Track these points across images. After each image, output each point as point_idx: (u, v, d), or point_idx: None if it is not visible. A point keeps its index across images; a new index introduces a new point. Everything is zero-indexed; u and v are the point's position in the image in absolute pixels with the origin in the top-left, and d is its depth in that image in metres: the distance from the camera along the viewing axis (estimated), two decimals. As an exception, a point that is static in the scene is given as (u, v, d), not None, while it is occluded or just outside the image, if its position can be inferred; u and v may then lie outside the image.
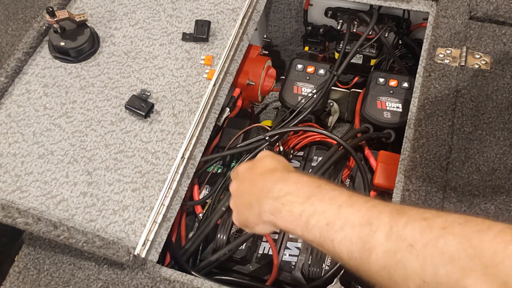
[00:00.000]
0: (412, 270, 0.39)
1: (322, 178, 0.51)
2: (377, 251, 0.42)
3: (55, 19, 0.83)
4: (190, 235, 0.83)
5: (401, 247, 0.40)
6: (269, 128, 0.88)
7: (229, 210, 0.67)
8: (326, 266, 0.77)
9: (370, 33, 0.97)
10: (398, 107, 0.90)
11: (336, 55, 1.09)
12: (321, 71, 0.99)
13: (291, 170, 0.55)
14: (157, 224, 0.70)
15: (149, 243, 0.68)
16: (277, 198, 0.50)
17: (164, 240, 0.71)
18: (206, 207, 0.84)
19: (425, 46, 0.84)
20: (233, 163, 0.90)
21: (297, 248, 0.81)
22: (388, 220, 0.42)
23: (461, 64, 0.79)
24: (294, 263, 0.80)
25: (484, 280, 0.36)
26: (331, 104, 1.08)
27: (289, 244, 0.82)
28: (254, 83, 0.99)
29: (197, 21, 0.89)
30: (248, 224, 0.56)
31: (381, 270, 0.42)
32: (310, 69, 0.99)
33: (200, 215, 0.83)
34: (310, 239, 0.47)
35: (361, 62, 1.08)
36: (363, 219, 0.44)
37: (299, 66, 1.00)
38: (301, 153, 0.93)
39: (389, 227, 0.42)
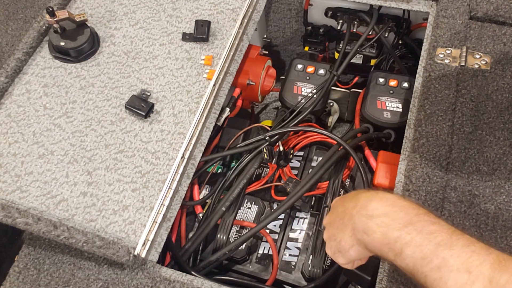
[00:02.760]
0: None
1: (419, 205, 0.49)
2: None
3: (55, 19, 0.83)
4: (190, 235, 0.83)
5: None
6: (269, 128, 0.88)
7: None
8: (326, 266, 0.77)
9: (370, 33, 0.97)
10: (398, 107, 0.90)
11: (336, 55, 1.09)
12: (321, 71, 0.99)
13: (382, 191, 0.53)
14: (157, 224, 0.70)
15: (149, 243, 0.68)
16: (371, 217, 0.49)
17: (164, 240, 0.71)
18: (206, 207, 0.84)
19: (425, 46, 0.84)
20: (233, 163, 0.90)
21: (297, 248, 0.81)
22: (488, 273, 0.41)
23: (461, 64, 0.79)
24: (294, 263, 0.80)
25: None
26: (331, 104, 1.08)
27: (289, 244, 0.82)
28: (254, 83, 0.99)
29: (197, 21, 0.89)
30: (341, 248, 0.54)
31: None
32: (310, 69, 0.99)
33: (200, 215, 0.83)
34: (402, 266, 0.47)
35: (361, 62, 1.08)
36: (463, 265, 0.42)
37: (299, 66, 1.00)
38: (301, 153, 0.93)
39: (489, 281, 0.41)
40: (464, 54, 0.80)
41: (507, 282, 0.40)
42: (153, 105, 0.80)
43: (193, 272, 0.72)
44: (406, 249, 0.46)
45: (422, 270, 0.45)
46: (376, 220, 0.48)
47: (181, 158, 0.76)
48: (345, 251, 0.54)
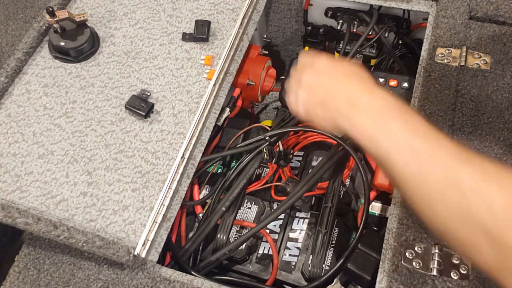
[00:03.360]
0: (452, 206, 0.43)
1: (399, 99, 0.51)
2: (429, 183, 0.45)
3: (55, 19, 0.83)
4: (190, 235, 0.83)
5: (451, 188, 0.43)
6: (269, 128, 0.88)
7: (284, 94, 0.64)
8: (326, 266, 0.77)
9: (370, 33, 0.97)
10: (398, 107, 0.90)
11: (336, 55, 1.09)
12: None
13: (374, 82, 0.55)
14: (157, 224, 0.70)
15: (149, 243, 0.68)
16: (356, 109, 0.51)
17: (164, 240, 0.71)
18: (206, 207, 0.84)
19: (425, 46, 0.84)
20: (233, 163, 0.90)
21: (297, 248, 0.81)
22: (449, 162, 0.44)
23: (461, 64, 0.79)
24: (294, 263, 0.80)
25: (507, 223, 0.39)
26: (331, 104, 1.08)
27: (289, 244, 0.82)
28: (254, 83, 0.99)
29: (197, 21, 0.89)
30: (315, 117, 0.57)
31: (425, 200, 0.45)
32: (310, 69, 0.99)
33: (200, 215, 0.83)
34: (376, 154, 0.50)
35: (361, 62, 1.08)
36: (428, 153, 0.45)
37: (299, 66, 1.00)
38: (301, 153, 0.93)
39: (448, 164, 0.44)
40: (464, 54, 0.80)
41: (464, 165, 0.44)
42: (153, 105, 0.80)
43: (193, 272, 0.72)
44: (381, 137, 0.49)
45: (391, 157, 0.48)
46: (361, 113, 0.51)
47: (181, 158, 0.76)
48: (318, 122, 0.57)
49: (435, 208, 0.45)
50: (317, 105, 0.56)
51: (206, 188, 0.90)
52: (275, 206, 0.87)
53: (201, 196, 0.86)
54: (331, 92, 0.55)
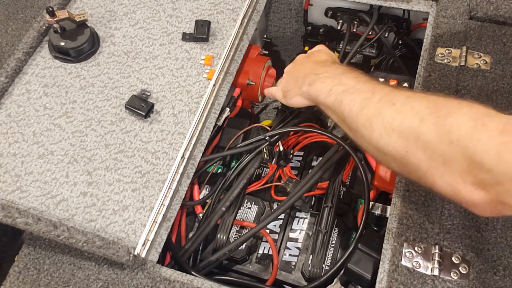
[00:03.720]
0: (387, 120, 0.53)
1: (357, 69, 0.65)
2: (369, 107, 0.56)
3: (55, 19, 0.83)
4: (190, 235, 0.83)
5: (386, 105, 0.54)
6: (269, 128, 0.88)
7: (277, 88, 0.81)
8: (326, 266, 0.77)
9: (370, 33, 0.97)
10: (398, 107, 0.90)
11: (336, 55, 1.08)
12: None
13: (338, 62, 0.73)
14: (157, 224, 0.70)
15: (149, 243, 0.68)
16: (317, 75, 0.67)
17: (164, 240, 0.71)
18: (206, 207, 0.84)
19: (425, 46, 0.84)
20: (233, 163, 0.90)
21: (297, 248, 0.81)
22: (386, 91, 0.56)
23: (461, 64, 0.79)
24: (294, 263, 0.80)
25: (434, 125, 0.48)
26: (331, 104, 1.08)
27: (289, 244, 0.82)
28: (254, 83, 0.99)
29: (197, 21, 0.89)
30: (287, 94, 0.74)
31: (366, 121, 0.56)
32: (310, 69, 0.99)
33: (200, 215, 0.83)
34: (327, 103, 0.63)
35: (361, 62, 1.08)
36: (370, 90, 0.58)
37: (299, 66, 1.00)
38: (301, 153, 0.93)
39: (385, 94, 0.55)
40: (464, 54, 0.80)
41: (397, 93, 0.55)
42: (153, 105, 0.80)
43: (193, 272, 0.72)
44: (333, 88, 0.62)
45: (340, 98, 0.60)
46: (320, 75, 0.66)
47: (181, 158, 0.76)
48: (289, 98, 0.75)
49: (374, 125, 0.54)
50: (290, 82, 0.74)
51: (206, 188, 0.90)
52: (275, 206, 0.87)
53: (201, 196, 0.86)
54: (301, 71, 0.72)
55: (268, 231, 0.83)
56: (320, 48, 0.78)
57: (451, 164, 0.47)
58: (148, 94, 0.82)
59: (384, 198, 0.82)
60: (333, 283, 0.73)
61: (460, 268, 0.61)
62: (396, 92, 0.55)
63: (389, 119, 0.53)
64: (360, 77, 0.62)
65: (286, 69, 0.79)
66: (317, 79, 0.66)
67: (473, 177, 0.46)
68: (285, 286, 0.79)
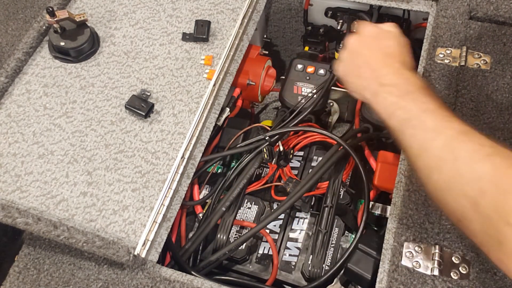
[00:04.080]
0: (445, 177, 0.48)
1: (428, 83, 0.58)
2: (429, 153, 0.51)
3: (55, 19, 0.83)
4: (190, 235, 0.83)
5: (447, 157, 0.49)
6: (269, 128, 0.88)
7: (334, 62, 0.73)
8: (326, 266, 0.77)
9: (370, 33, 0.97)
10: (398, 107, 0.89)
11: (336, 55, 1.08)
12: (321, 71, 0.99)
13: (408, 63, 0.62)
14: (157, 224, 0.70)
15: (149, 243, 0.68)
16: (382, 85, 0.59)
17: (164, 240, 0.71)
18: (206, 207, 0.84)
19: (425, 46, 0.84)
20: (233, 163, 0.90)
21: (297, 248, 0.81)
22: (451, 135, 0.50)
23: (461, 64, 0.79)
24: (294, 263, 0.80)
25: (493, 201, 0.43)
26: (331, 104, 1.08)
27: (289, 244, 0.82)
28: (254, 83, 0.99)
29: (197, 21, 0.89)
30: (346, 84, 0.66)
31: (424, 168, 0.51)
32: (310, 69, 0.99)
33: (200, 215, 0.83)
34: (389, 125, 0.57)
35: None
36: (434, 128, 0.51)
37: (299, 66, 1.00)
38: (301, 153, 0.93)
39: (449, 140, 0.49)
40: (464, 54, 0.80)
41: (464, 141, 0.49)
42: (153, 105, 0.80)
43: (193, 272, 0.72)
44: (396, 111, 0.55)
45: (402, 129, 0.54)
46: (385, 88, 0.58)
47: (181, 158, 0.76)
48: (348, 89, 0.66)
49: (432, 176, 0.50)
50: (352, 73, 0.65)
51: (206, 188, 0.89)
52: (275, 206, 0.87)
53: (201, 196, 0.86)
54: (366, 66, 0.62)
55: (268, 231, 0.83)
56: (391, 30, 0.66)
57: (507, 245, 0.43)
58: (148, 94, 0.82)
59: (384, 198, 0.82)
60: (333, 283, 0.73)
61: (460, 268, 0.61)
62: (461, 140, 0.49)
63: (447, 178, 0.48)
64: (427, 103, 0.54)
65: (349, 43, 0.66)
66: (381, 92, 0.58)
67: None
68: (285, 286, 0.79)
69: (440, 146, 0.50)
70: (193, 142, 0.77)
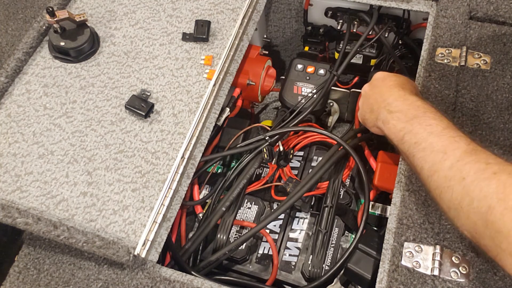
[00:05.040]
0: (455, 196, 0.51)
1: (432, 106, 0.62)
2: (439, 174, 0.53)
3: (55, 19, 0.83)
4: (190, 235, 0.83)
5: (455, 177, 0.51)
6: (269, 128, 0.88)
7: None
8: (326, 266, 0.77)
9: (370, 33, 0.97)
10: (398, 107, 0.89)
11: (336, 55, 1.09)
12: (321, 71, 0.99)
13: (414, 92, 0.68)
14: (157, 224, 0.70)
15: (149, 243, 0.68)
16: (390, 112, 0.64)
17: (164, 240, 0.71)
18: (206, 207, 0.84)
19: (425, 46, 0.84)
20: (233, 163, 0.90)
21: (297, 248, 0.81)
22: (459, 154, 0.53)
23: (461, 64, 0.79)
24: (294, 263, 0.80)
25: (502, 216, 0.46)
26: (331, 104, 1.08)
27: (289, 244, 0.82)
28: (254, 83, 0.99)
29: (197, 21, 0.89)
30: (365, 122, 0.73)
31: (435, 188, 0.54)
32: (310, 69, 0.99)
33: (200, 215, 0.83)
34: (401, 149, 0.61)
35: (361, 62, 1.08)
36: (442, 149, 0.54)
37: (299, 66, 1.00)
38: (301, 153, 0.93)
39: (457, 160, 0.52)
40: (464, 54, 0.80)
41: (470, 162, 0.51)
42: (153, 105, 0.80)
43: (193, 272, 0.72)
44: (406, 136, 0.59)
45: (412, 152, 0.58)
46: (393, 114, 0.63)
47: (181, 158, 0.76)
48: (368, 126, 0.73)
49: (443, 196, 0.53)
50: (367, 110, 0.71)
51: (206, 188, 0.90)
52: (275, 206, 0.87)
53: (201, 196, 0.86)
54: (376, 101, 0.68)
55: (268, 231, 0.83)
56: (397, 74, 0.73)
57: None
58: (148, 94, 0.82)
59: (384, 198, 0.82)
60: (333, 283, 0.73)
61: (460, 268, 0.61)
62: (468, 160, 0.52)
63: (457, 197, 0.51)
64: (433, 126, 0.57)
65: (363, 90, 0.74)
66: (390, 119, 0.63)
67: None
68: (285, 286, 0.79)
69: (449, 167, 0.53)
70: (193, 142, 0.77)
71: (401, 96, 0.65)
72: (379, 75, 0.72)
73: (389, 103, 0.65)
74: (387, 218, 0.74)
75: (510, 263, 0.46)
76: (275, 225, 0.84)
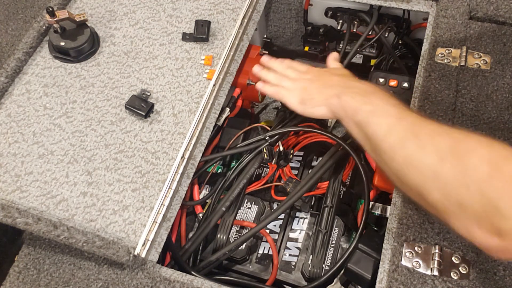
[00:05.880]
0: (409, 153, 0.53)
1: (390, 94, 0.64)
2: (393, 135, 0.55)
3: (55, 19, 0.83)
4: (190, 235, 0.83)
5: (409, 137, 0.54)
6: (269, 128, 0.88)
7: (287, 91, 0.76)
8: (326, 266, 0.77)
9: (370, 33, 0.97)
10: (398, 107, 0.90)
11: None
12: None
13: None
14: (157, 224, 0.70)
15: (149, 243, 0.68)
16: (349, 87, 0.66)
17: (164, 240, 0.71)
18: (206, 207, 0.84)
19: (425, 46, 0.84)
20: (233, 163, 0.90)
21: (297, 248, 0.81)
22: (412, 121, 0.56)
23: (461, 64, 0.79)
24: (294, 263, 0.80)
25: (452, 166, 0.48)
26: (331, 104, 1.08)
27: (289, 244, 0.82)
28: (254, 83, 0.99)
29: (197, 21, 0.89)
30: (309, 102, 0.70)
31: (389, 149, 0.55)
32: (310, 69, 0.99)
33: (200, 215, 0.83)
34: (354, 120, 0.62)
35: (361, 62, 1.08)
36: (397, 115, 0.57)
37: (299, 66, 1.00)
38: (301, 153, 0.93)
39: (411, 123, 0.55)
40: (464, 54, 0.80)
41: (425, 126, 0.54)
42: (153, 105, 0.80)
43: (193, 272, 0.72)
44: (363, 106, 0.61)
45: (368, 120, 0.59)
46: (350, 89, 0.65)
47: (181, 158, 0.76)
48: (310, 106, 0.70)
49: (397, 156, 0.54)
50: (313, 91, 0.71)
51: (206, 188, 0.90)
52: (275, 206, 0.87)
53: (201, 196, 0.86)
54: (327, 81, 0.71)
55: (268, 231, 0.83)
56: (340, 65, 0.77)
57: (467, 208, 0.47)
58: (148, 94, 0.82)
59: (384, 198, 0.82)
60: (333, 283, 0.73)
61: (460, 268, 0.61)
62: (422, 124, 0.55)
63: (410, 153, 0.52)
64: (389, 100, 0.61)
65: (303, 77, 0.74)
66: (347, 93, 0.64)
67: (489, 223, 0.45)
68: (285, 286, 0.79)
69: (404, 129, 0.55)
70: (193, 142, 0.77)
71: (356, 80, 0.70)
72: (314, 69, 0.75)
73: (345, 82, 0.68)
74: (387, 218, 0.74)
75: (456, 215, 0.48)
76: (275, 225, 0.84)
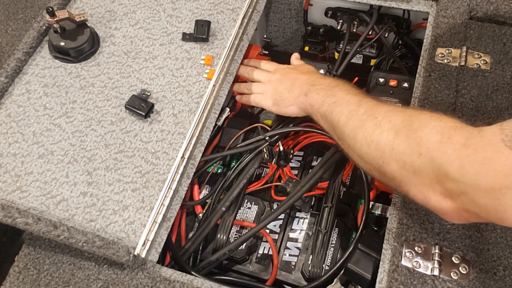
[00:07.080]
0: (368, 131, 0.58)
1: (353, 85, 0.71)
2: (354, 118, 0.62)
3: (55, 19, 0.83)
4: (190, 235, 0.83)
5: (368, 118, 0.60)
6: (269, 128, 0.88)
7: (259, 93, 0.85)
8: (326, 266, 0.77)
9: (370, 33, 0.97)
10: (398, 107, 0.90)
11: (336, 55, 1.09)
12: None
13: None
14: (157, 224, 0.70)
15: (149, 243, 0.68)
16: (314, 85, 0.73)
17: (164, 240, 0.71)
18: (206, 207, 0.84)
19: (425, 46, 0.84)
20: (233, 163, 0.90)
21: (297, 248, 0.81)
22: (371, 105, 0.62)
23: (461, 64, 0.79)
24: (294, 263, 0.80)
25: (406, 138, 0.54)
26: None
27: (289, 244, 0.82)
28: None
29: (197, 21, 0.89)
30: (282, 103, 0.79)
31: (351, 131, 0.61)
32: (310, 69, 0.99)
33: (200, 215, 0.83)
34: (320, 112, 0.69)
35: (361, 62, 1.08)
36: (357, 102, 0.64)
37: (299, 66, 1.00)
38: (301, 153, 0.93)
39: (370, 107, 0.61)
40: (464, 54, 0.80)
41: (382, 106, 0.61)
42: (153, 105, 0.80)
43: (193, 272, 0.72)
44: (327, 99, 0.68)
45: (331, 109, 0.66)
46: (316, 86, 0.73)
47: (181, 158, 0.76)
48: (283, 107, 0.79)
49: (357, 136, 0.60)
50: (283, 91, 0.79)
51: (206, 188, 0.90)
52: (275, 206, 0.87)
53: (201, 196, 0.86)
54: (295, 80, 0.78)
55: (268, 231, 0.83)
56: (301, 63, 0.86)
57: (421, 174, 0.52)
58: (148, 94, 0.82)
59: (384, 198, 0.82)
60: (333, 283, 0.73)
61: (460, 268, 0.61)
62: (379, 106, 0.61)
63: (369, 131, 0.58)
64: (350, 90, 0.68)
65: (273, 78, 0.82)
66: (313, 90, 0.72)
67: (441, 187, 0.50)
68: (285, 286, 0.79)
69: (363, 112, 0.61)
70: (193, 142, 0.77)
71: (320, 76, 0.78)
72: (281, 67, 0.85)
73: (311, 80, 0.75)
74: (387, 218, 0.74)
75: (412, 183, 0.53)
76: (275, 225, 0.84)
